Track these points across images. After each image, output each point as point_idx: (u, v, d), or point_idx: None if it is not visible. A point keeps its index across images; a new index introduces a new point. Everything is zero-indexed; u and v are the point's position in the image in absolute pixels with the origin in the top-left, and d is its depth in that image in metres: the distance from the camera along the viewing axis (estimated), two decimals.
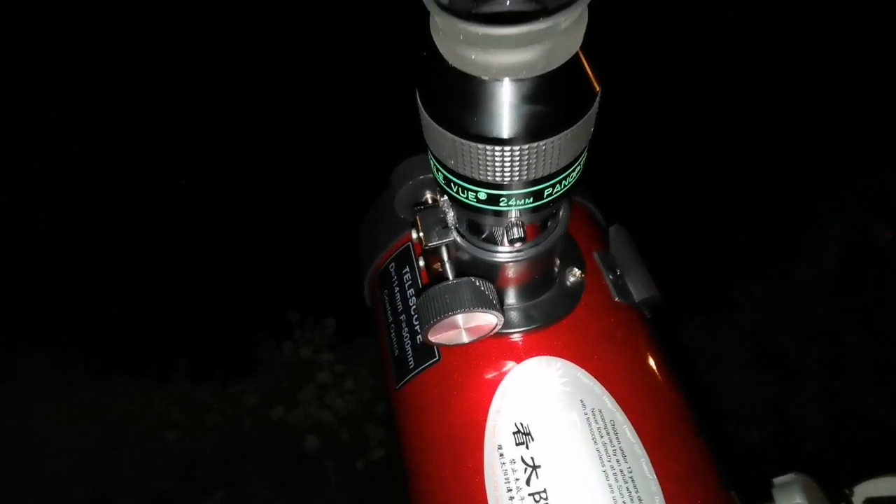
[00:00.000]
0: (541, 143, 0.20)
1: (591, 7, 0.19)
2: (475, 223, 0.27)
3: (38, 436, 1.50)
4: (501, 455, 0.28)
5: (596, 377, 0.29)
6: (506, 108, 0.19)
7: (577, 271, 0.32)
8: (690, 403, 0.34)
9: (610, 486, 0.26)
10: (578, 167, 0.23)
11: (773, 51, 1.89)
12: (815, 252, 1.66)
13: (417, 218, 0.29)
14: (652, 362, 0.33)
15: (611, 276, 0.34)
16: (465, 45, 0.18)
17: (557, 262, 0.31)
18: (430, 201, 0.33)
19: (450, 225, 0.28)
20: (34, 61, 1.92)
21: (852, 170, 1.67)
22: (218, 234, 1.85)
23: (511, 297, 0.31)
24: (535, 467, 0.27)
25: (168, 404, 1.56)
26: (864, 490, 0.55)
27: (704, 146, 1.88)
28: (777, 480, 0.36)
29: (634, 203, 1.82)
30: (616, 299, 0.34)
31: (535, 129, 0.19)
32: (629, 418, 0.28)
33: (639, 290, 0.35)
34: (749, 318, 1.69)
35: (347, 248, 0.47)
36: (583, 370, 0.30)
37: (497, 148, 0.20)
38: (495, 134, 0.19)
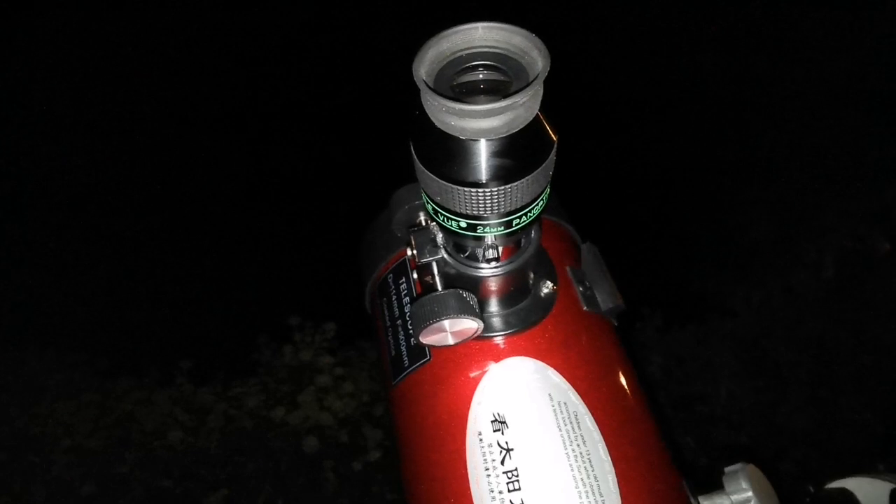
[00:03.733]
0: (507, 186, 0.25)
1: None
2: (459, 244, 0.32)
3: (46, 434, 1.53)
4: (481, 440, 0.33)
5: (563, 375, 0.35)
6: (480, 160, 0.24)
7: (549, 284, 0.38)
8: (648, 399, 0.39)
9: (570, 465, 0.32)
10: (541, 201, 0.28)
11: (777, 61, 1.91)
12: (814, 261, 1.68)
13: (412, 237, 0.34)
14: (614, 362, 0.38)
15: (580, 289, 0.40)
16: (446, 114, 0.23)
17: (532, 275, 0.36)
18: (423, 223, 0.38)
19: (439, 244, 0.33)
20: (39, 62, 1.95)
21: (853, 180, 1.70)
22: (222, 240, 1.89)
23: (492, 306, 0.36)
24: (508, 450, 0.32)
25: (172, 405, 1.59)
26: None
27: (707, 155, 1.90)
28: (727, 469, 0.41)
29: (637, 211, 1.86)
30: (584, 308, 0.39)
31: (503, 175, 0.25)
32: (590, 409, 0.34)
33: (605, 301, 0.40)
34: (744, 326, 1.72)
35: (348, 255, 0.52)
36: (552, 369, 0.35)
37: (473, 190, 0.25)
38: (472, 179, 0.25)
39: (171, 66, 2.01)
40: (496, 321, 0.36)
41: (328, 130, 1.97)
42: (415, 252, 0.34)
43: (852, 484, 0.58)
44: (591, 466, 0.32)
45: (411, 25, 1.83)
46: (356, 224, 0.49)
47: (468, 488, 0.32)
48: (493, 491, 0.31)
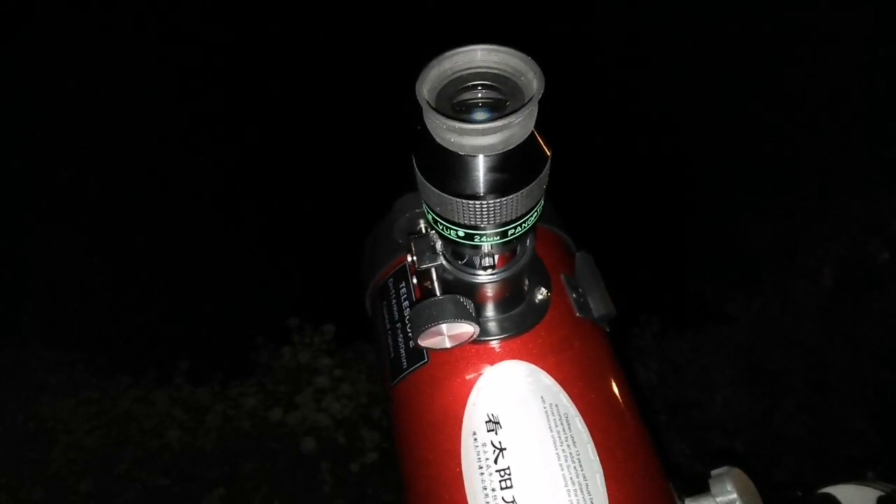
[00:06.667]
0: (503, 199, 0.27)
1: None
2: (457, 252, 0.34)
3: (45, 432, 1.53)
4: (475, 440, 0.34)
5: (555, 378, 0.36)
6: (478, 174, 0.26)
7: (544, 290, 0.39)
8: (639, 404, 0.40)
9: (560, 465, 0.33)
10: (536, 213, 0.30)
11: (777, 68, 1.90)
12: (814, 269, 1.69)
13: (412, 244, 0.36)
14: (605, 367, 0.39)
15: (574, 295, 0.41)
16: (446, 132, 0.25)
17: (527, 282, 0.38)
18: (423, 230, 0.40)
19: (438, 251, 0.35)
20: (48, 63, 1.96)
21: (853, 189, 1.70)
22: (222, 241, 1.89)
23: (488, 311, 0.38)
24: (501, 449, 0.34)
25: (170, 404, 1.59)
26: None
27: (707, 162, 1.91)
28: (714, 472, 0.42)
29: (636, 217, 1.87)
30: (577, 315, 0.40)
31: (499, 189, 0.26)
32: (580, 412, 0.35)
33: (598, 307, 0.42)
34: (741, 333, 1.73)
35: (348, 257, 0.53)
36: (544, 372, 0.36)
37: (471, 202, 0.27)
38: (470, 192, 0.26)
39: (170, 66, 2.02)
40: (492, 325, 0.38)
41: (330, 132, 1.98)
42: (415, 258, 0.35)
43: (840, 491, 0.59)
44: (581, 466, 0.33)
45: (421, 32, 1.85)
46: (356, 226, 0.50)
47: (462, 486, 0.33)
48: (486, 489, 0.33)
